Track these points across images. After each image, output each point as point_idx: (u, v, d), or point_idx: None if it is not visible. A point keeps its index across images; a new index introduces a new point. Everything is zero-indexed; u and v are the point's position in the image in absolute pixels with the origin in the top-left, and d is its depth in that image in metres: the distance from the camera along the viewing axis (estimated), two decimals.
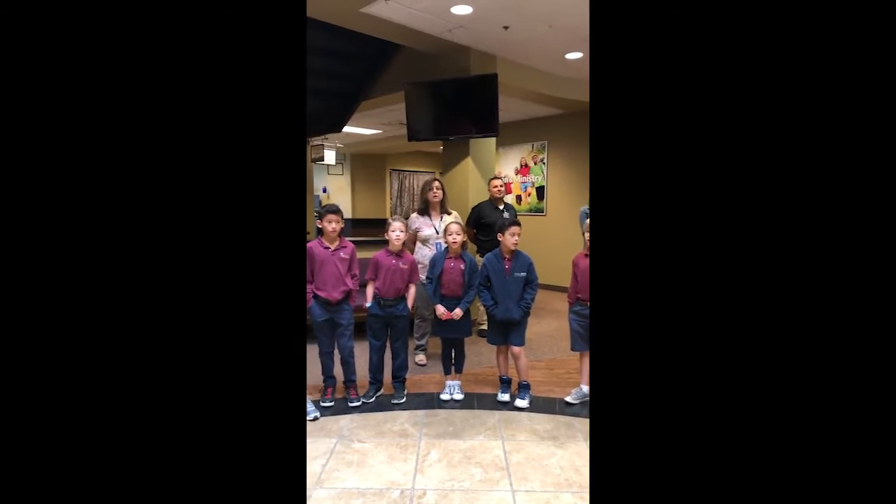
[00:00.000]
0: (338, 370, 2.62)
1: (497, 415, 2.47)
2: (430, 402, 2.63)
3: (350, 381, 2.59)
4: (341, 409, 2.52)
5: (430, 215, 3.19)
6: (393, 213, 9.37)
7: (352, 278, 2.54)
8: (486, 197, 3.75)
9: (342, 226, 2.51)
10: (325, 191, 9.03)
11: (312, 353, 2.71)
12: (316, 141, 6.33)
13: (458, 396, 2.66)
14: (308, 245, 2.51)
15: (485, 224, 3.48)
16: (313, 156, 6.36)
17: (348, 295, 2.53)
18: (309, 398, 2.47)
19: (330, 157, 6.43)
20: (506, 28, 3.37)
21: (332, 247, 2.48)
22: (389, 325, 2.63)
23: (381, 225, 2.89)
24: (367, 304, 2.60)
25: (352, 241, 2.61)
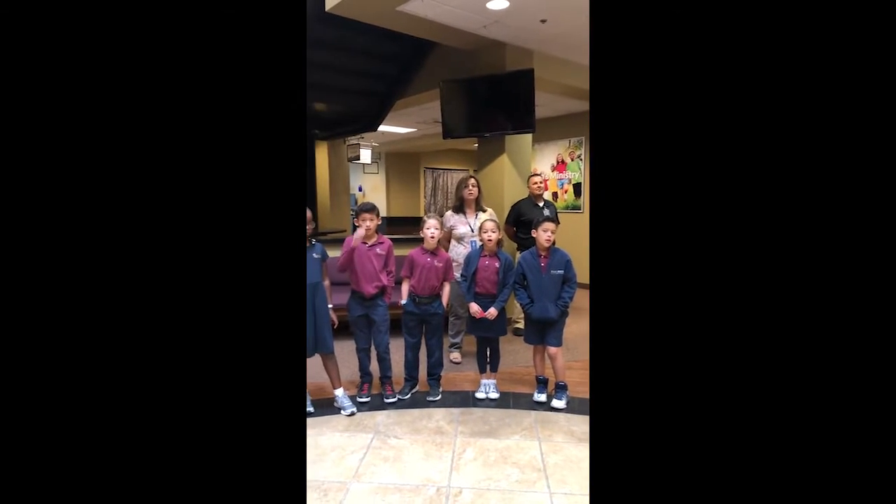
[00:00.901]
0: (374, 366, 2.65)
1: (533, 415, 2.43)
2: (466, 400, 2.62)
3: (386, 378, 2.62)
4: (377, 404, 2.55)
5: (464, 213, 3.17)
6: (427, 210, 9.41)
7: (387, 275, 2.57)
8: (521, 194, 3.71)
9: (378, 223, 2.54)
10: (360, 189, 9.17)
11: (349, 348, 2.76)
12: (352, 140, 6.43)
13: (494, 395, 2.64)
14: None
15: (524, 222, 3.43)
16: (349, 155, 6.46)
17: (383, 291, 2.55)
18: (346, 393, 2.51)
19: (366, 156, 6.52)
20: (543, 21, 3.31)
21: (369, 242, 2.52)
22: (424, 323, 2.63)
23: (416, 223, 2.89)
24: (403, 302, 2.61)
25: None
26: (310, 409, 2.44)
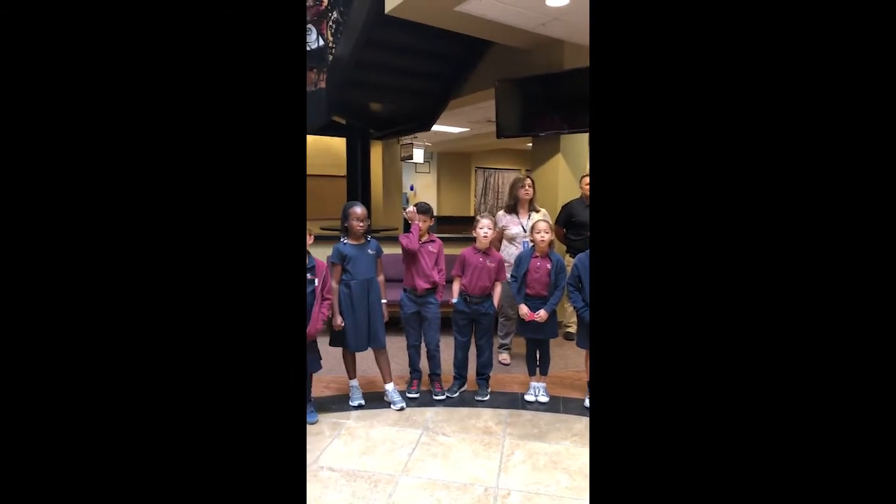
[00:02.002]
0: (424, 363, 2.68)
1: (584, 421, 2.37)
2: (514, 401, 2.60)
3: (435, 375, 2.64)
4: (426, 401, 2.57)
5: (517, 213, 3.14)
6: (477, 210, 9.41)
7: (438, 272, 2.60)
8: (575, 195, 3.62)
9: (430, 223, 2.59)
10: (412, 189, 9.30)
11: (398, 344, 2.81)
12: (406, 140, 6.53)
13: (544, 399, 2.60)
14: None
15: (575, 223, 3.36)
16: (402, 154, 6.57)
17: (435, 288, 2.58)
18: (396, 388, 2.56)
19: (418, 155, 6.60)
20: None
21: (422, 240, 2.57)
22: (475, 322, 2.64)
23: (466, 222, 2.90)
24: (454, 300, 2.63)
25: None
26: (361, 401, 2.51)
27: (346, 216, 2.47)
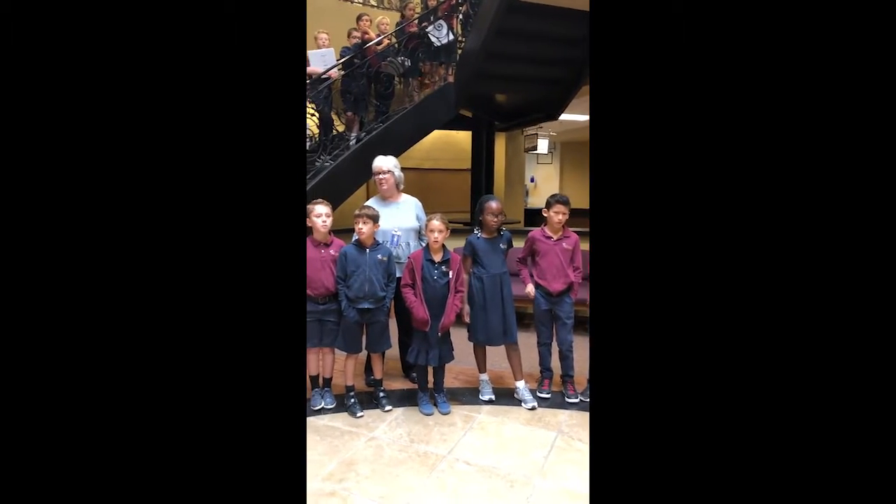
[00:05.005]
0: (555, 363, 2.58)
1: None
2: None
3: (568, 377, 2.52)
4: (558, 402, 2.47)
5: None
6: None
7: (574, 270, 2.46)
8: None
9: (566, 216, 2.45)
10: (532, 180, 9.10)
11: (526, 340, 2.72)
12: (530, 130, 6.38)
13: None
14: (530, 235, 2.53)
15: None
16: (526, 145, 6.43)
17: (570, 287, 2.45)
18: (527, 386, 2.49)
19: (542, 146, 6.41)
20: None
21: (555, 237, 2.45)
22: None
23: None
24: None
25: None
26: (491, 396, 2.49)
27: (481, 209, 2.45)
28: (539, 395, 2.51)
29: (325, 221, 2.32)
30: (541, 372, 2.61)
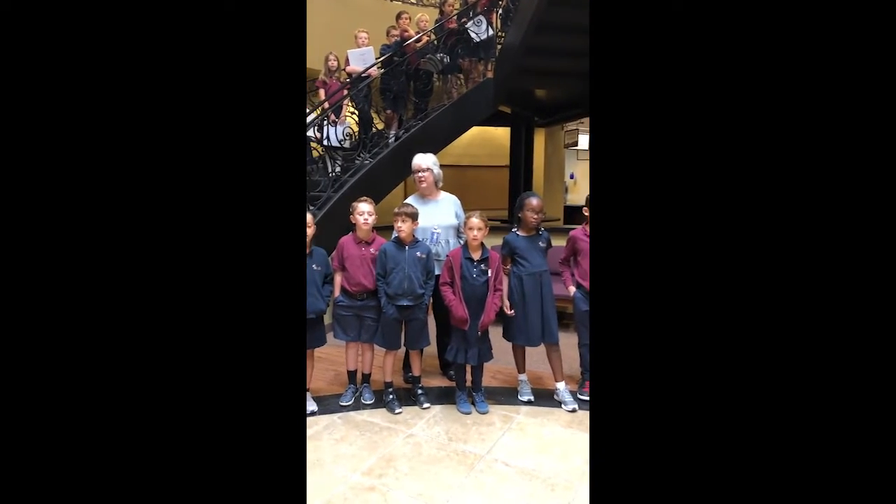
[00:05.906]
0: None
1: None
2: None
3: None
4: None
5: None
6: None
7: None
8: None
9: None
10: (572, 177, 8.91)
11: (571, 340, 2.66)
12: (570, 126, 6.24)
13: None
14: (571, 234, 2.47)
15: None
16: (566, 141, 6.30)
17: None
18: (567, 388, 2.44)
19: (583, 141, 6.26)
20: None
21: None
22: None
23: None
24: None
25: None
26: (530, 397, 2.45)
27: (521, 206, 2.41)
28: (580, 397, 2.45)
29: (366, 220, 2.34)
30: (581, 373, 2.54)
